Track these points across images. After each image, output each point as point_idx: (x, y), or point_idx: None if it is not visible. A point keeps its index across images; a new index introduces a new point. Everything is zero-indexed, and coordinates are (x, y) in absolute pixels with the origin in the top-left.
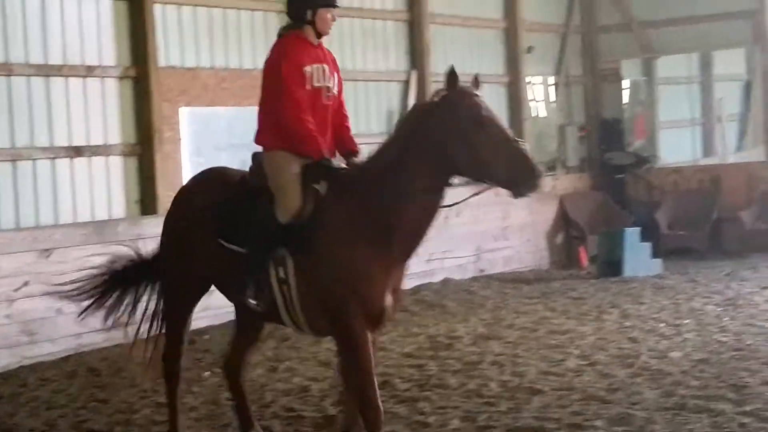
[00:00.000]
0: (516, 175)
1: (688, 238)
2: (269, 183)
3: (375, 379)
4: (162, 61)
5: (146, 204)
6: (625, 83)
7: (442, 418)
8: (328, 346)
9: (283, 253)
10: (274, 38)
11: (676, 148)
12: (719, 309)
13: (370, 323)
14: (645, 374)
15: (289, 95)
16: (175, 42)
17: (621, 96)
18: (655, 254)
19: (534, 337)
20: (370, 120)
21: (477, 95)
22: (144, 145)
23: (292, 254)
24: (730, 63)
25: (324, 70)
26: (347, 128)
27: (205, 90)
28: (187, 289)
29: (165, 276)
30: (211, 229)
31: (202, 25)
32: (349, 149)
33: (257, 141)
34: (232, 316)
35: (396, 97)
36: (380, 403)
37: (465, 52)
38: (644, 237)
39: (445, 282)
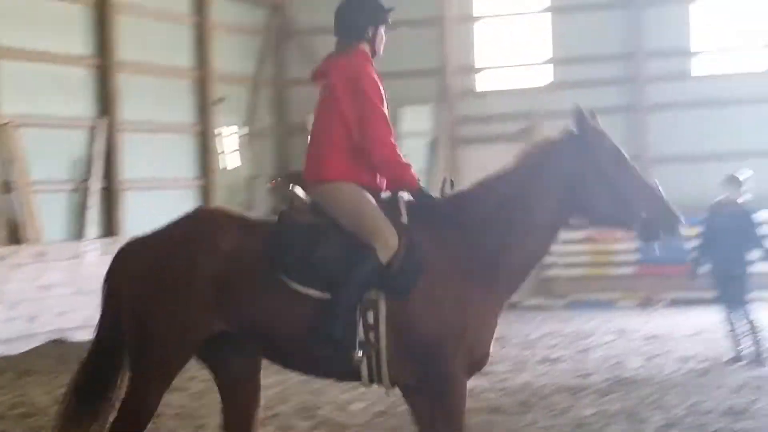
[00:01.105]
0: (657, 217)
1: None
2: (344, 220)
3: None
4: None
5: None
6: None
7: None
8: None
9: (375, 296)
10: None
11: None
12: None
13: (470, 372)
14: (324, 427)
15: (381, 116)
16: None
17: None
18: None
19: (216, 389)
20: (55, 167)
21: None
22: None
23: (388, 297)
24: (417, 119)
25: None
26: None
27: None
28: (185, 349)
29: (148, 338)
30: (265, 275)
31: None
32: None
33: (322, 173)
34: None
35: (82, 145)
36: None
37: (155, 100)
38: None
39: None
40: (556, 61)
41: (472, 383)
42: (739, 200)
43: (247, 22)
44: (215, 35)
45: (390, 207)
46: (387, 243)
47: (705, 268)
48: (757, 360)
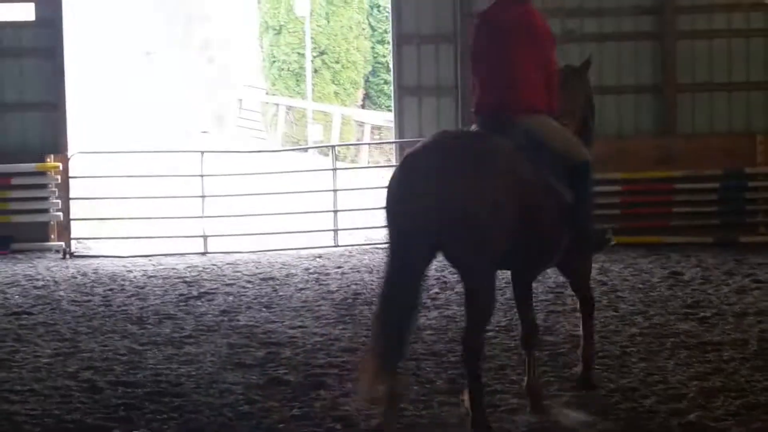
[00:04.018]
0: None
1: None
2: (559, 140)
3: None
4: None
5: None
6: None
7: None
8: None
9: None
10: None
11: None
12: None
13: None
14: None
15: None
16: None
17: None
18: None
19: None
20: None
21: None
22: None
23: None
24: None
25: None
26: None
27: None
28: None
29: (487, 235)
30: (545, 189)
31: None
32: None
33: (536, 105)
34: None
35: None
36: None
37: None
38: None
39: None
40: None
41: None
42: None
43: None
44: None
45: None
46: (591, 158)
47: None
48: None
